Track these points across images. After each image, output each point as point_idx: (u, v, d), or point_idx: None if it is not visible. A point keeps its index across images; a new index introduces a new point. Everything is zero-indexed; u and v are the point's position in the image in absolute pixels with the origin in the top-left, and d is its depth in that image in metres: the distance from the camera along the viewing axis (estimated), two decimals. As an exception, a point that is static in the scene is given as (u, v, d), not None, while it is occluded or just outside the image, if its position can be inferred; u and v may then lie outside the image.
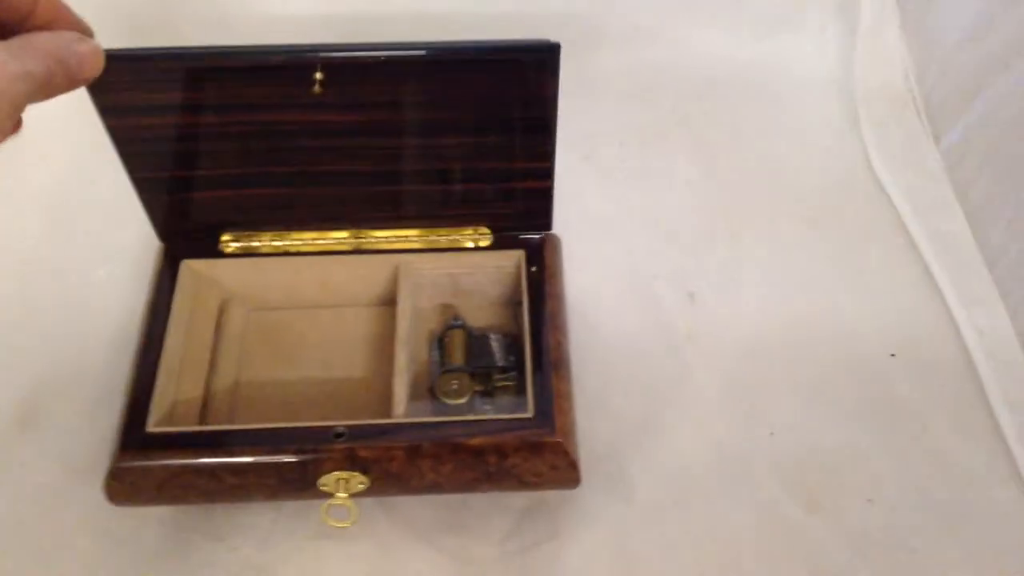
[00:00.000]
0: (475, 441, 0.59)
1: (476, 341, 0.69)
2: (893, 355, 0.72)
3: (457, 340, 0.69)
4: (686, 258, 0.78)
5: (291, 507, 0.64)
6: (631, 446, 0.67)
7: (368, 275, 0.70)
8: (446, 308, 0.72)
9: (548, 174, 0.66)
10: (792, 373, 0.71)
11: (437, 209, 0.68)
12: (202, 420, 0.64)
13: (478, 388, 0.66)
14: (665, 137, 0.88)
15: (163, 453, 0.58)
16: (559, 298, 0.67)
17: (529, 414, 0.60)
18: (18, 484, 0.66)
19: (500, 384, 0.67)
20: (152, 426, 0.59)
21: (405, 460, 0.59)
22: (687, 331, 0.73)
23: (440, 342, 0.70)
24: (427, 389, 0.67)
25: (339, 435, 0.59)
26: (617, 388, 0.70)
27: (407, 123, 0.63)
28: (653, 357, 0.72)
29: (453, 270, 0.70)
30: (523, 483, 0.60)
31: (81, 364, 0.72)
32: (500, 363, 0.68)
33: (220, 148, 0.63)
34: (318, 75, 0.59)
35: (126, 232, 0.78)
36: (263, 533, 0.63)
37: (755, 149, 0.87)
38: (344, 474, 0.59)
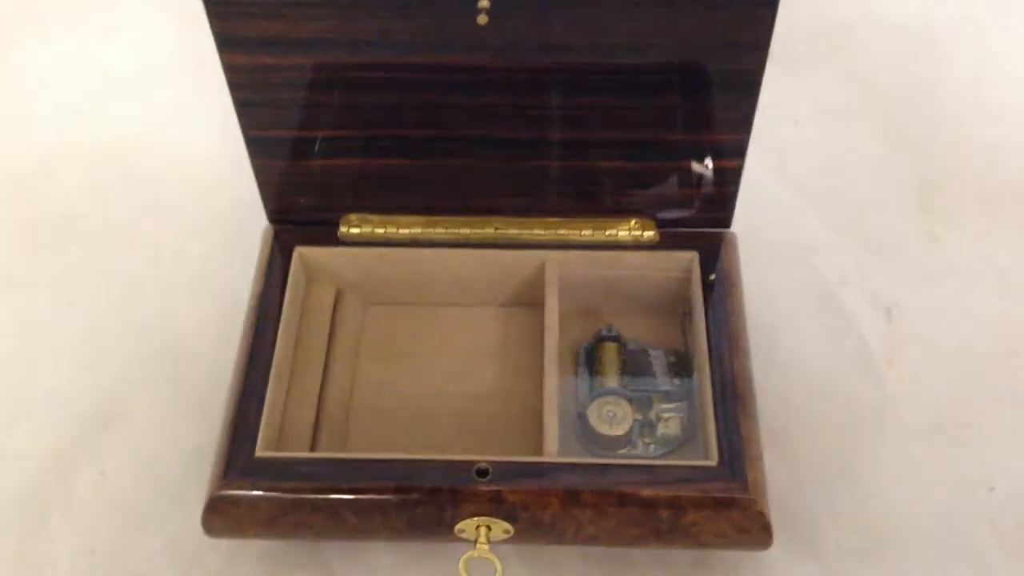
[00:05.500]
0: (647, 492, 0.51)
1: (633, 357, 0.61)
2: None
3: (610, 355, 0.61)
4: (879, 261, 0.69)
5: (415, 547, 0.57)
6: (819, 497, 0.58)
7: (508, 272, 0.62)
8: (591, 313, 0.64)
9: (741, 150, 0.57)
10: (1019, 411, 0.61)
11: (594, 195, 0.60)
12: (314, 440, 0.57)
13: (638, 417, 0.58)
14: (851, 112, 0.77)
15: (274, 484, 0.51)
16: (742, 315, 0.58)
17: (712, 462, 0.52)
18: (98, 496, 0.59)
19: (666, 416, 0.58)
20: (261, 449, 0.53)
21: (560, 509, 0.51)
22: (886, 354, 0.64)
23: (589, 356, 0.61)
24: (576, 414, 0.59)
25: (483, 473, 0.51)
26: (800, 425, 0.60)
27: (582, 75, 0.54)
28: (843, 387, 0.62)
29: (608, 272, 0.61)
30: (700, 543, 0.52)
31: (173, 353, 0.65)
32: (664, 387, 0.59)
33: (353, 102, 0.56)
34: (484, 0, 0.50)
35: (226, 204, 0.71)
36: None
37: (963, 128, 0.76)
38: (487, 520, 0.51)
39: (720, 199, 0.60)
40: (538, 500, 0.51)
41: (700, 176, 0.58)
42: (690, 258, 0.60)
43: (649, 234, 0.60)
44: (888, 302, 0.66)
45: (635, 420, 0.58)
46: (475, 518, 0.51)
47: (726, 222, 0.61)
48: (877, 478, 0.59)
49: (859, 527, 0.57)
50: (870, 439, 0.60)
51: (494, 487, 0.51)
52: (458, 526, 0.51)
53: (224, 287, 0.67)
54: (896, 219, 0.71)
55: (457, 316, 0.63)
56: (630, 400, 0.58)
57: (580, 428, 0.58)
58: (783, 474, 0.58)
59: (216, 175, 0.74)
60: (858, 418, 0.61)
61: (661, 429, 0.58)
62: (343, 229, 0.61)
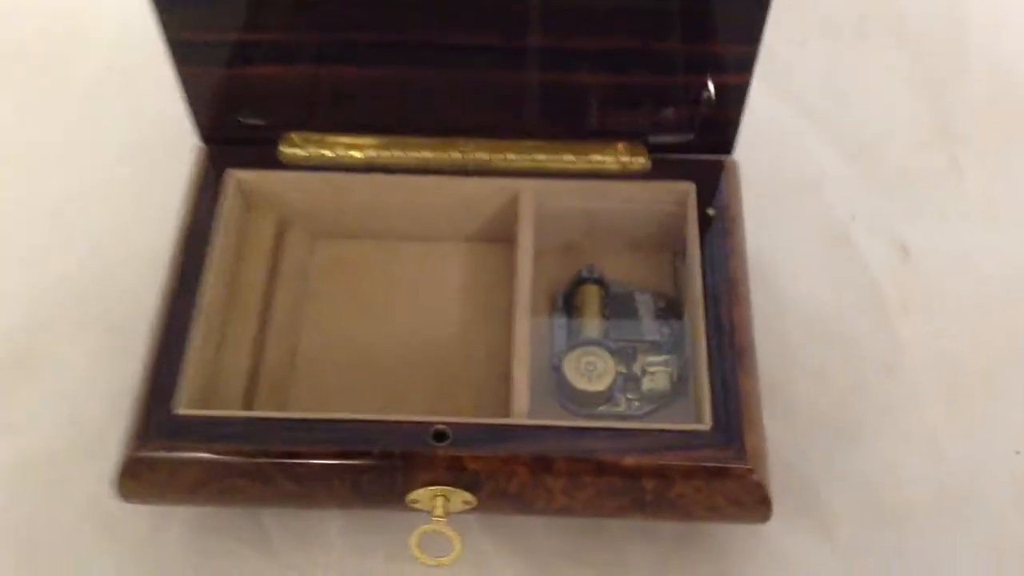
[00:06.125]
0: (628, 460, 0.44)
1: (617, 302, 0.54)
2: None
3: (591, 299, 0.54)
4: (894, 195, 0.63)
5: (366, 513, 0.51)
6: (825, 459, 0.52)
7: (476, 203, 0.55)
8: (570, 251, 0.57)
9: (748, 64, 0.50)
10: (1049, 367, 0.55)
11: (576, 115, 0.53)
12: (249, 394, 0.50)
13: (621, 369, 0.52)
14: (863, 29, 0.70)
15: (197, 445, 0.45)
16: (742, 255, 0.51)
17: (705, 425, 0.45)
18: (5, 452, 0.53)
19: (652, 369, 0.51)
20: (183, 406, 0.46)
21: (529, 478, 0.45)
22: (900, 299, 0.57)
23: (567, 300, 0.55)
24: (550, 366, 0.52)
25: (440, 436, 0.45)
26: (804, 379, 0.55)
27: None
28: (853, 336, 0.57)
29: (591, 204, 0.54)
30: (689, 516, 0.46)
31: (97, 289, 0.59)
32: (651, 336, 0.53)
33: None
34: None
35: (160, 120, 0.63)
36: (328, 547, 0.50)
37: (989, 46, 0.69)
38: (444, 489, 0.45)
39: (722, 121, 0.53)
40: (503, 468, 0.45)
41: (700, 94, 0.51)
42: (685, 189, 0.53)
43: (639, 161, 0.53)
44: (904, 240, 0.60)
45: (618, 373, 0.52)
46: (431, 487, 0.45)
47: (727, 148, 0.54)
48: (889, 438, 0.53)
49: (867, 493, 0.52)
50: (882, 394, 0.54)
51: (453, 452, 0.45)
52: (411, 496, 0.45)
53: (156, 214, 0.58)
54: (913, 148, 0.65)
55: (417, 252, 0.57)
56: (612, 351, 0.52)
57: (555, 382, 0.52)
58: (783, 433, 0.52)
59: (150, 86, 0.65)
60: (869, 371, 0.55)
61: (647, 384, 0.52)
62: (284, 150, 0.54)
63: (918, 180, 0.63)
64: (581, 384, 0.51)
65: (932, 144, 0.64)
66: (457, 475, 0.45)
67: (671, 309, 0.54)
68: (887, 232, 0.60)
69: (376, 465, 0.45)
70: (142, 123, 0.65)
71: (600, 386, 0.51)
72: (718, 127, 0.53)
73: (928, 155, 0.64)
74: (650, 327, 0.53)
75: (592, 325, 0.53)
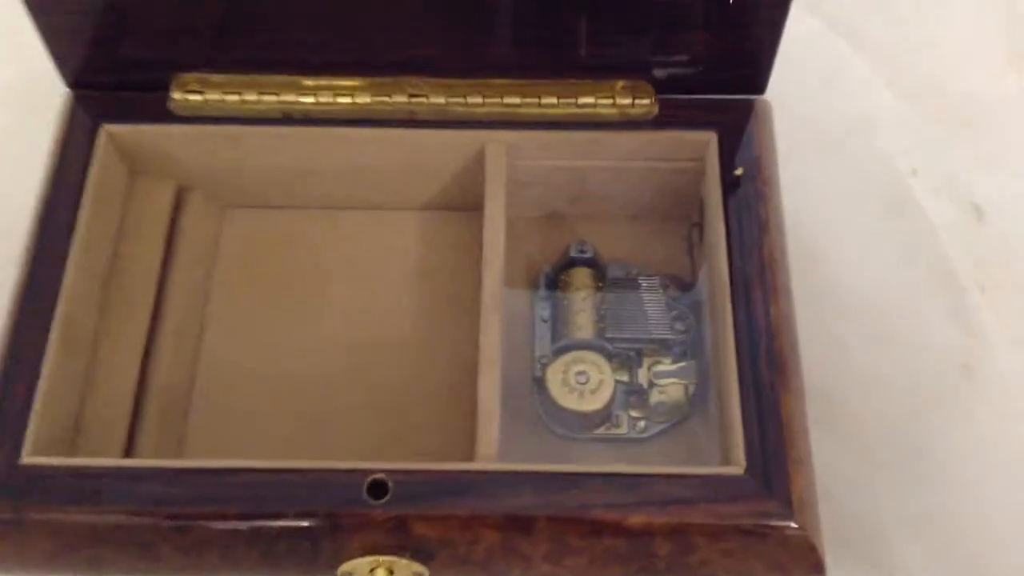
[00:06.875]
0: (635, 519, 0.36)
1: (616, 289, 0.46)
2: None
3: (583, 286, 0.46)
4: (964, 140, 0.55)
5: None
6: (883, 489, 0.45)
7: (431, 161, 0.47)
8: (555, 223, 0.50)
9: None
10: None
11: (561, 44, 0.44)
12: (131, 431, 0.42)
13: (622, 379, 0.43)
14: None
15: (50, 506, 0.36)
16: (781, 230, 0.42)
17: (737, 468, 0.37)
18: None
19: (664, 380, 0.42)
20: (34, 451, 0.38)
21: (499, 542, 0.36)
22: (977, 275, 0.50)
23: (551, 286, 0.46)
24: (531, 377, 0.44)
25: (378, 490, 0.36)
26: (860, 386, 0.48)
27: None
28: (918, 325, 0.50)
29: (581, 161, 0.46)
30: None
31: None
32: (661, 335, 0.44)
33: None
34: None
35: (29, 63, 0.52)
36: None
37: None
38: (386, 560, 0.37)
39: (751, 51, 0.44)
40: (464, 531, 0.36)
41: (723, 13, 0.41)
42: (704, 140, 0.45)
43: (643, 103, 0.45)
44: (976, 198, 0.53)
45: (617, 385, 0.44)
46: (368, 557, 0.37)
47: (758, 86, 0.46)
48: (969, 460, 0.46)
49: (945, 536, 0.44)
50: (959, 403, 0.48)
51: (395, 511, 0.36)
52: (343, 568, 0.37)
53: (24, 178, 0.48)
54: (986, 79, 0.58)
55: (355, 226, 0.49)
56: (610, 356, 0.44)
57: (536, 398, 0.44)
58: (835, 460, 0.45)
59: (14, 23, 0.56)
60: (942, 372, 0.48)
61: (656, 397, 0.44)
62: (176, 96, 0.46)
63: (993, 120, 0.56)
64: (570, 402, 0.42)
65: (1008, 74, 0.57)
66: (402, 541, 0.36)
67: (687, 298, 0.46)
68: (956, 188, 0.53)
69: (294, 528, 0.36)
70: (13, 63, 0.55)
71: (595, 404, 0.42)
72: (746, 59, 0.44)
73: (1005, 87, 0.57)
74: (659, 322, 0.46)
75: (583, 321, 0.45)
